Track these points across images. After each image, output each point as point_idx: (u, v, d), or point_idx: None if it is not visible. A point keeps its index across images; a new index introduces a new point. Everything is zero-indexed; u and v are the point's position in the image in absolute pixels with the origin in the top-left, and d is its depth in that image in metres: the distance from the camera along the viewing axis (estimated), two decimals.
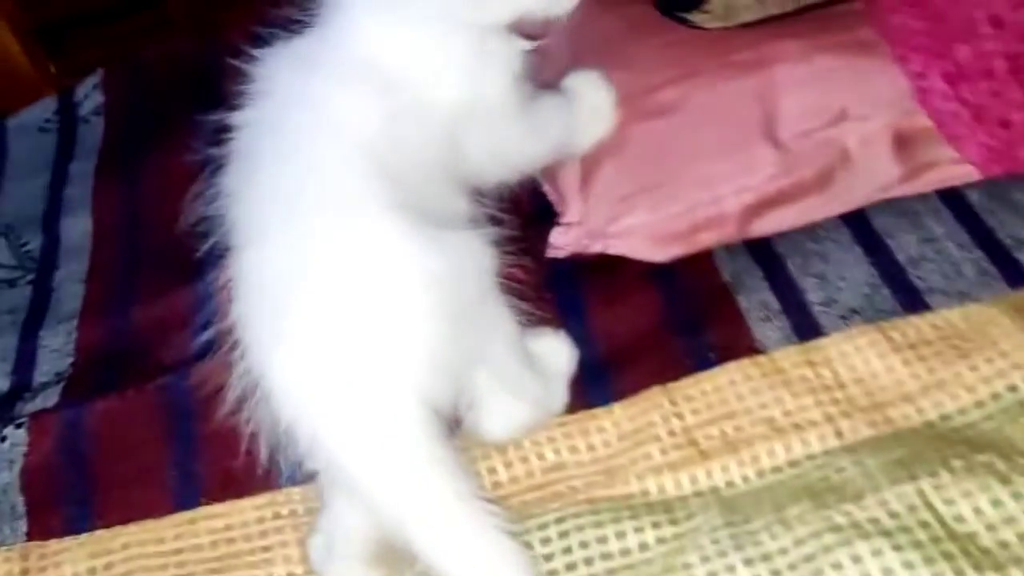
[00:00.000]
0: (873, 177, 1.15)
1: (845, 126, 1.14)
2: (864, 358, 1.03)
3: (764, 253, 1.16)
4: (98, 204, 1.41)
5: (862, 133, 1.14)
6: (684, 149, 1.15)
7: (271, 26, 1.01)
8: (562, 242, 1.18)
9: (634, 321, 1.13)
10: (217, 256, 0.95)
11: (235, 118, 0.97)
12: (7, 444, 1.11)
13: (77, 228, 1.40)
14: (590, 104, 1.16)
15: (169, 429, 1.09)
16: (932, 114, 1.14)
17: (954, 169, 1.15)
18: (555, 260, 1.18)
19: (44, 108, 1.61)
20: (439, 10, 0.95)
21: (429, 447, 0.90)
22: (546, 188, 1.23)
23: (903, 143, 1.14)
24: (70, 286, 1.32)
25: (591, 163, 1.17)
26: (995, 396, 0.98)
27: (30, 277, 1.35)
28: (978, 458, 0.90)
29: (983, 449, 0.91)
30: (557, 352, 1.08)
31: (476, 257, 0.96)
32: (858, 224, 1.16)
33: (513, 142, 1.08)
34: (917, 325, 1.05)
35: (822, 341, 1.06)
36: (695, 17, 1.15)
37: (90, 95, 1.60)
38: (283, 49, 0.99)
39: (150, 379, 1.14)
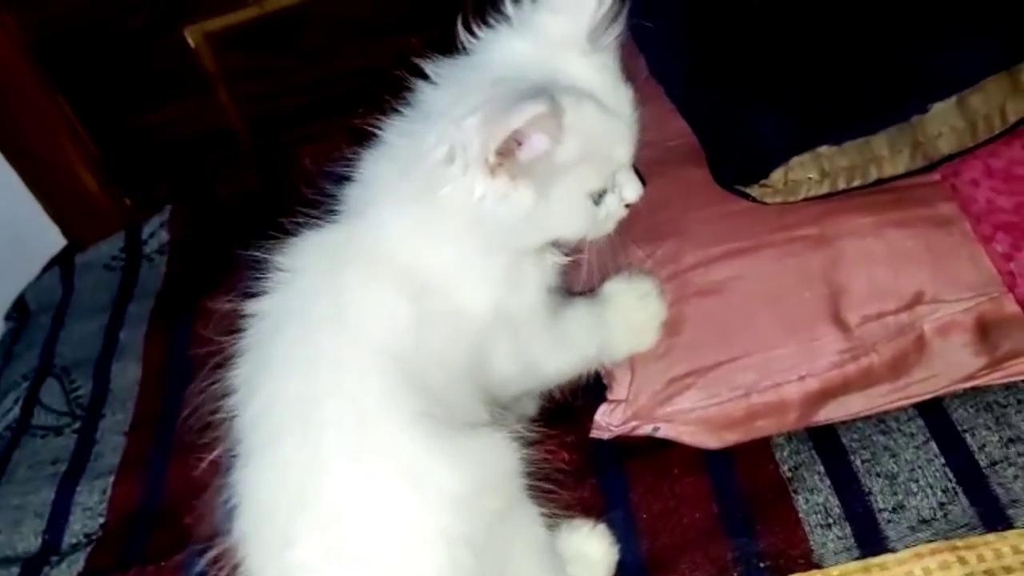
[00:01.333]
0: (952, 366, 1.04)
1: (920, 310, 1.04)
2: None
3: (828, 444, 1.06)
4: (148, 350, 1.40)
5: (940, 318, 1.04)
6: (741, 329, 1.06)
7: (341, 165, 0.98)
8: (606, 422, 1.10)
9: (682, 515, 1.04)
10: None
11: (252, 306, 0.93)
12: None
13: (127, 374, 1.38)
14: (630, 321, 1.07)
15: None
16: (1021, 300, 1.03)
17: None
18: (600, 440, 1.11)
19: (112, 245, 1.62)
20: (477, 232, 0.89)
21: None
22: None
23: (986, 330, 1.03)
24: (112, 437, 1.30)
25: None
26: None
27: (76, 425, 1.33)
28: None
29: None
30: (594, 556, 1.00)
31: (503, 462, 0.89)
32: (934, 415, 1.05)
33: (538, 354, 1.01)
34: (996, 547, 0.93)
35: (887, 558, 0.95)
36: (754, 191, 1.08)
37: (156, 233, 1.61)
38: (311, 239, 0.94)
39: (171, 554, 1.09)
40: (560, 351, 1.02)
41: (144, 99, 1.66)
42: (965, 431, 1.03)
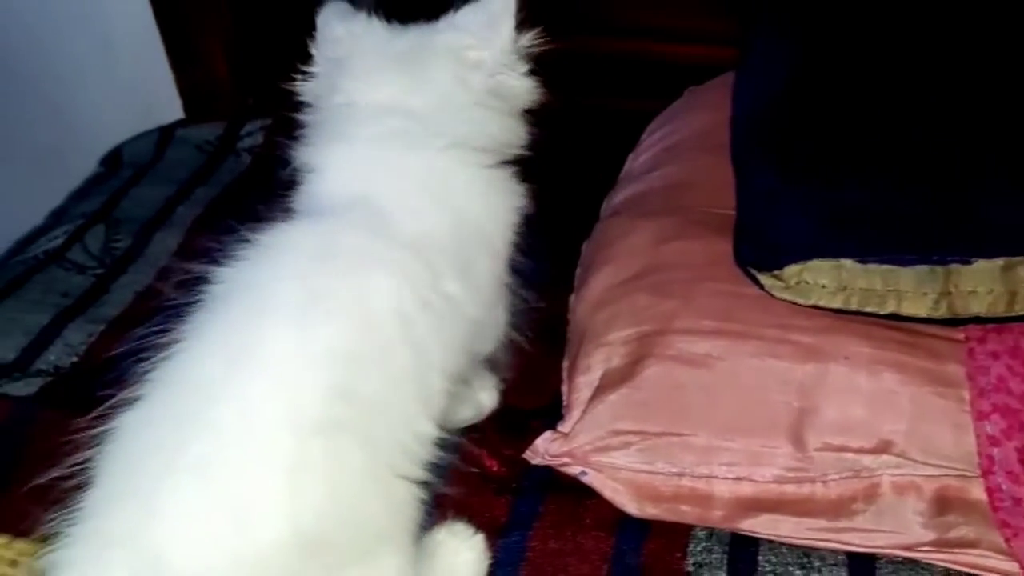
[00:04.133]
0: (897, 528, 0.97)
1: (884, 460, 0.97)
2: None
3: (743, 556, 1.00)
4: (192, 230, 1.46)
5: (901, 475, 0.97)
6: (699, 409, 1.02)
7: None
8: (544, 448, 1.08)
9: (571, 564, 1.00)
10: None
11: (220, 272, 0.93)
12: None
13: (165, 244, 1.45)
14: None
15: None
16: (991, 489, 0.95)
17: (995, 561, 0.95)
18: (533, 465, 1.09)
19: (211, 130, 1.70)
20: None
21: None
22: (564, 387, 1.14)
23: (945, 505, 0.96)
24: (123, 293, 1.36)
25: (608, 381, 1.07)
26: None
27: (99, 271, 1.40)
28: None
29: None
30: (460, 565, 0.98)
31: (378, 518, 0.88)
32: (862, 572, 0.98)
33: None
34: None
35: None
36: (765, 280, 1.03)
37: (253, 134, 1.68)
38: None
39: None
40: None
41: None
42: None
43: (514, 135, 1.09)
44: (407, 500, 0.90)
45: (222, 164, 1.63)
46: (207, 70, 1.76)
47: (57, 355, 1.26)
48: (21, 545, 1.01)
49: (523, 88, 1.09)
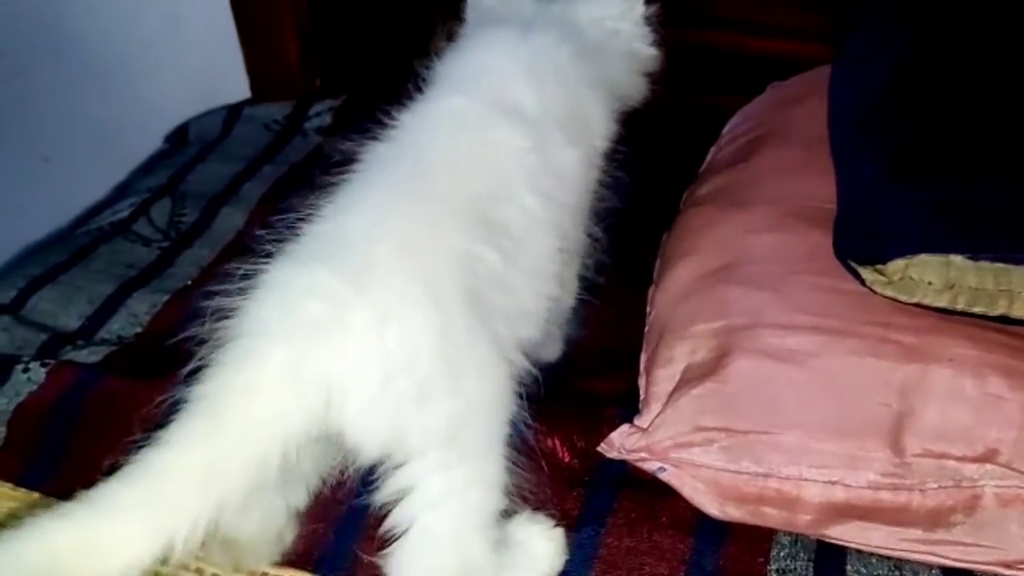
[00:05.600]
0: (999, 543, 0.92)
1: (988, 469, 0.92)
2: None
3: (830, 565, 0.95)
4: (258, 208, 1.44)
5: (1007, 487, 0.91)
6: (791, 407, 0.97)
7: None
8: (620, 443, 1.03)
9: (647, 563, 0.95)
10: None
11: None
12: (25, 376, 1.11)
13: (231, 220, 1.43)
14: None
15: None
16: None
17: None
18: (607, 458, 1.04)
19: (279, 109, 1.68)
20: None
21: None
22: (641, 380, 1.09)
23: None
24: (187, 267, 1.34)
25: (691, 374, 1.02)
26: None
27: (165, 244, 1.38)
28: None
29: None
30: (538, 554, 0.94)
31: (489, 383, 0.88)
32: None
33: None
34: None
35: None
36: (867, 274, 0.98)
37: (321, 114, 1.66)
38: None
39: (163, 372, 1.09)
40: None
41: None
42: None
43: (638, 90, 1.20)
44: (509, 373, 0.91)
45: (289, 143, 1.61)
46: (276, 51, 1.74)
47: (121, 324, 1.24)
48: None
49: (650, 55, 1.21)
